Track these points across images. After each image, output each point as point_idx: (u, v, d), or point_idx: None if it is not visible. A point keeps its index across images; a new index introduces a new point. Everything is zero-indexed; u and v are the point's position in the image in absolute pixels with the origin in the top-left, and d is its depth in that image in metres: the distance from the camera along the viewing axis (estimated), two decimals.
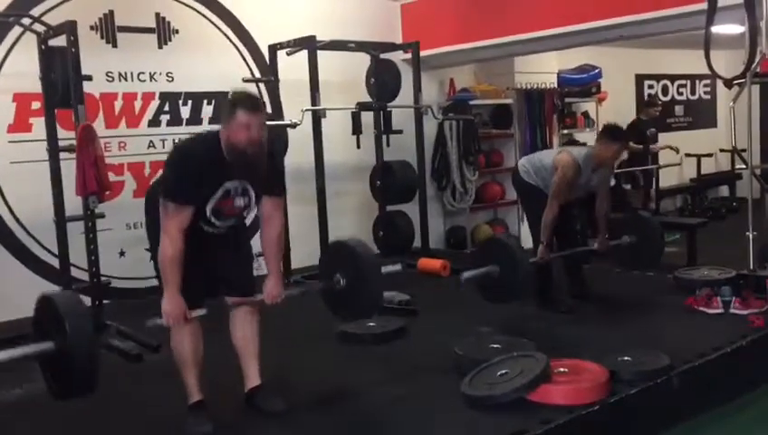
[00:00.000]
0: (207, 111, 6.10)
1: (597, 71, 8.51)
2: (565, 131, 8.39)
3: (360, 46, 6.09)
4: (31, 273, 5.23)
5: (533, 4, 6.24)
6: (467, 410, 3.11)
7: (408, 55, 7.01)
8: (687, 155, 10.11)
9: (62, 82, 4.48)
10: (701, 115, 10.86)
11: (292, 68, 5.88)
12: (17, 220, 5.21)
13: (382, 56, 6.41)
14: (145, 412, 3.38)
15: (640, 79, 10.05)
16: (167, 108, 5.90)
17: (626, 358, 3.48)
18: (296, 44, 5.60)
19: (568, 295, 4.84)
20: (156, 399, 3.49)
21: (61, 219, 4.68)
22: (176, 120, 5.94)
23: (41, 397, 3.59)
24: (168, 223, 2.90)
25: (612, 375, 3.27)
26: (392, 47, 6.31)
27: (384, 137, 6.17)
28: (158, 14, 5.82)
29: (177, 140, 5.87)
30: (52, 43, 4.59)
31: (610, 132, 4.55)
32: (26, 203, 5.16)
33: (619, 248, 4.98)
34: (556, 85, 8.20)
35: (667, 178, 9.61)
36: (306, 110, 5.44)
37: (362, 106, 5.70)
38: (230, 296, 3.21)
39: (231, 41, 6.21)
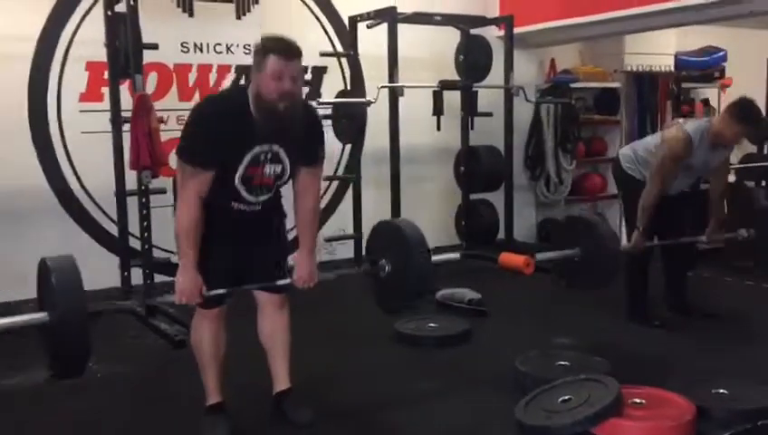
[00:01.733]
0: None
1: (722, 53, 7.63)
2: (681, 120, 7.54)
3: (447, 20, 5.62)
4: (96, 244, 5.14)
5: None
6: None
7: (503, 31, 6.50)
8: None
9: (126, 50, 4.30)
10: None
11: (378, 42, 5.46)
12: (86, 191, 5.12)
13: (474, 32, 5.95)
14: (176, 403, 3.13)
15: None
16: (242, 81, 5.65)
17: (721, 391, 2.91)
18: (376, 16, 5.20)
19: (665, 307, 4.23)
20: (189, 391, 3.20)
21: (121, 193, 4.53)
22: None
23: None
24: (185, 188, 2.54)
25: (701, 412, 2.72)
26: (483, 21, 5.79)
27: (469, 119, 5.68)
28: None
29: None
30: (119, 9, 4.40)
31: (738, 109, 3.78)
32: (95, 173, 5.02)
33: (733, 243, 4.30)
34: (672, 68, 7.40)
35: None
36: (382, 87, 5.04)
37: (444, 85, 5.25)
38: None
39: (313, 12, 5.88)
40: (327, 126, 5.58)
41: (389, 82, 5.09)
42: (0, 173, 4.70)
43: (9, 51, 4.76)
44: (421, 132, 5.87)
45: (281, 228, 2.90)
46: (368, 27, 5.37)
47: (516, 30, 6.41)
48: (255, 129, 2.53)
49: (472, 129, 5.77)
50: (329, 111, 5.52)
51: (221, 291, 2.65)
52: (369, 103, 5.02)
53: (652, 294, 4.17)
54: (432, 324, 3.97)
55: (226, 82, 5.58)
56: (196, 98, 5.46)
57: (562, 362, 3.22)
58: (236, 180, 2.58)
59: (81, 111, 5.08)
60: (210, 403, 2.82)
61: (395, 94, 5.09)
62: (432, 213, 6.41)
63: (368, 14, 5.31)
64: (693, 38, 7.56)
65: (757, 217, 4.30)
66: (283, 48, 2.50)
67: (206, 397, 2.83)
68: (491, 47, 5.88)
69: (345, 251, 5.91)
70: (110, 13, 4.42)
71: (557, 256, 3.78)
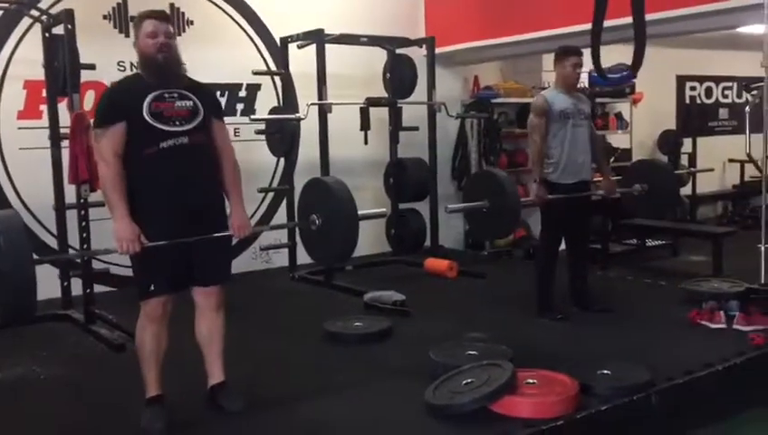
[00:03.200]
0: (221, 102, 6.09)
1: (630, 71, 8.20)
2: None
3: (373, 41, 6.00)
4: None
5: None
6: (427, 420, 3.00)
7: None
8: (731, 160, 9.72)
9: (63, 70, 4.51)
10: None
11: (310, 61, 5.66)
12: (24, 205, 5.29)
13: (401, 51, 6.33)
14: (112, 402, 3.36)
15: (682, 80, 9.67)
16: None
17: (605, 371, 3.31)
18: (305, 37, 5.53)
19: (571, 303, 4.66)
20: (126, 390, 3.44)
21: (60, 206, 4.73)
22: None
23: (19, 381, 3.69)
24: (102, 149, 2.88)
25: (586, 389, 3.11)
26: (407, 42, 6.18)
27: (395, 133, 6.06)
28: (172, 5, 5.84)
29: None
30: (57, 31, 4.62)
31: (559, 51, 4.61)
32: (33, 188, 5.21)
33: (629, 197, 4.90)
34: (586, 85, 7.92)
35: (707, 184, 9.24)
36: (311, 104, 5.36)
37: (371, 102, 5.60)
38: (197, 286, 3.12)
39: (247, 33, 6.19)
40: (261, 141, 5.94)
41: (318, 99, 5.42)
42: None
43: None
44: (354, 146, 6.17)
45: (217, 187, 3.10)
46: (298, 48, 5.69)
47: (441, 49, 6.87)
48: (149, 83, 2.92)
49: (396, 142, 6.13)
50: (263, 127, 5.83)
51: (161, 243, 2.87)
52: (299, 119, 5.33)
53: (561, 292, 4.59)
54: (357, 323, 4.29)
55: None
56: None
57: (471, 352, 3.57)
58: (147, 117, 2.86)
59: (19, 128, 5.27)
60: (150, 395, 3.07)
61: (323, 111, 5.40)
62: (364, 222, 6.75)
63: (297, 35, 5.63)
64: (605, 56, 8.10)
65: (651, 172, 4.91)
66: (155, 13, 3.00)
67: (146, 390, 3.08)
68: (416, 66, 6.27)
69: (280, 259, 6.20)
70: (47, 35, 4.65)
71: (467, 207, 4.19)
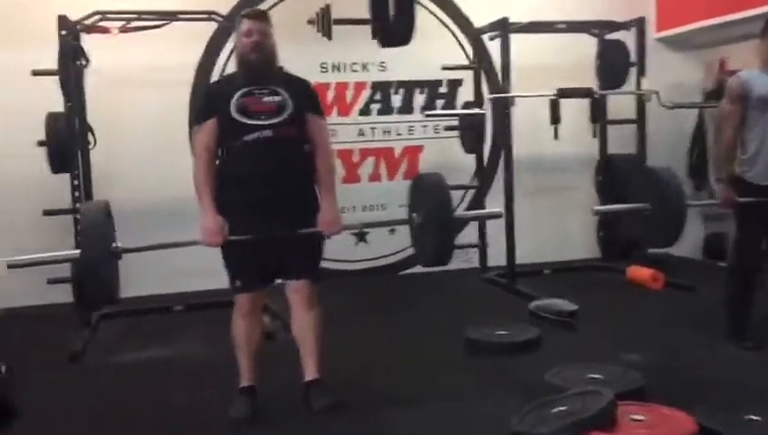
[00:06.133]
0: (420, 99, 6.08)
1: None
2: None
3: (572, 27, 5.47)
4: None
5: None
6: None
7: (662, 34, 6.22)
8: None
9: None
10: None
11: (528, 52, 5.46)
12: None
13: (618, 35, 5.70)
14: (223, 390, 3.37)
15: None
16: (378, 97, 6.01)
17: (753, 417, 2.63)
18: (491, 28, 5.25)
19: None
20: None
21: None
22: (386, 109, 6.03)
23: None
24: (195, 146, 3.02)
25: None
26: (613, 26, 5.53)
27: (599, 127, 5.49)
28: None
29: (386, 130, 6.08)
30: None
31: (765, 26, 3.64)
32: None
33: None
34: None
35: None
36: (491, 98, 5.08)
37: (562, 93, 5.10)
38: (286, 279, 3.12)
39: (448, 27, 6.07)
40: (454, 137, 5.81)
41: (503, 92, 5.11)
42: (168, 183, 5.51)
43: (173, 78, 5.55)
44: (571, 141, 5.73)
45: (307, 181, 3.07)
46: (490, 39, 5.44)
47: (672, 31, 6.17)
48: (242, 82, 2.98)
49: (594, 136, 5.53)
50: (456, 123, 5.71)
51: (244, 237, 2.92)
52: (473, 114, 5.07)
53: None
54: (501, 332, 3.96)
55: (362, 99, 5.98)
56: (335, 113, 5.93)
57: (594, 375, 3.09)
58: (232, 111, 2.91)
59: None
60: (241, 386, 3.15)
61: (506, 105, 5.08)
62: (573, 221, 6.26)
63: (485, 26, 5.37)
64: None
65: None
66: (252, 13, 3.10)
67: (239, 380, 3.16)
68: (629, 52, 5.61)
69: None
70: None
71: (624, 208, 3.65)
